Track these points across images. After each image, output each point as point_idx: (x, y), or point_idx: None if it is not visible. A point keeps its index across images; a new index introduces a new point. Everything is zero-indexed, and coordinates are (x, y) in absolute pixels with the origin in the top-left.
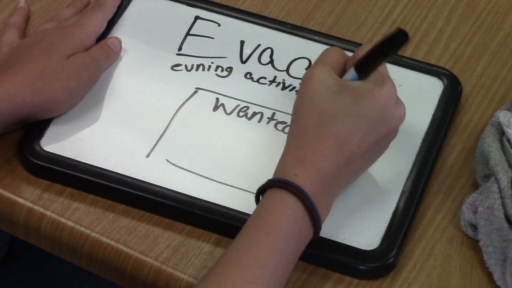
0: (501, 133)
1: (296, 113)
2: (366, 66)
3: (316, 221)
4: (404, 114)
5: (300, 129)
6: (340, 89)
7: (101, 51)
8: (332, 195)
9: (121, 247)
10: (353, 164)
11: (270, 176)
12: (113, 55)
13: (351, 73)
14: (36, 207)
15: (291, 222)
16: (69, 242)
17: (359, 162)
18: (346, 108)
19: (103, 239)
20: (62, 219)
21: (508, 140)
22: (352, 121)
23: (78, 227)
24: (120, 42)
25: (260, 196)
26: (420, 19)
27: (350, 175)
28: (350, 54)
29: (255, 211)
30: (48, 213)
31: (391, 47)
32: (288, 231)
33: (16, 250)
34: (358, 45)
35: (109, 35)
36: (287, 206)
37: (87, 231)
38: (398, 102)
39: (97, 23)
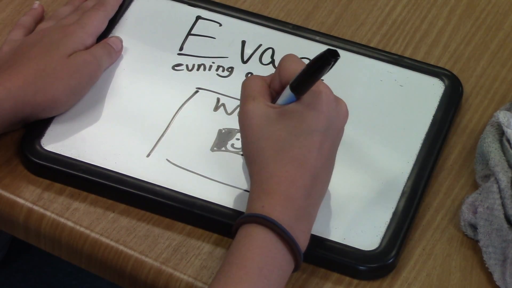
0: (501, 133)
1: (249, 154)
2: (302, 86)
3: (293, 247)
4: (347, 109)
5: (258, 165)
6: (280, 115)
7: (102, 49)
8: (308, 218)
9: (121, 247)
10: (319, 179)
11: None
12: (114, 54)
13: (287, 93)
14: (36, 207)
15: (263, 253)
16: (69, 242)
17: (324, 174)
18: (295, 129)
19: (103, 239)
20: (62, 219)
21: (508, 140)
22: (305, 139)
23: (78, 227)
24: (121, 41)
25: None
26: (420, 19)
27: (320, 191)
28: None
29: (228, 250)
30: (48, 213)
31: (323, 66)
32: (261, 262)
33: (16, 250)
34: (358, 45)
35: (111, 35)
36: (257, 238)
37: (87, 231)
38: (338, 100)
39: (98, 22)
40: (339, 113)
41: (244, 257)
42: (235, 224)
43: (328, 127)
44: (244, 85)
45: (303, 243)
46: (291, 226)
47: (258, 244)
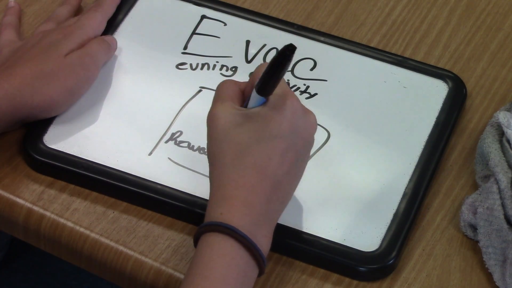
0: (501, 133)
1: (211, 156)
2: (267, 85)
3: (254, 252)
4: (315, 121)
5: (218, 169)
6: (245, 119)
7: (97, 45)
8: (270, 222)
9: (121, 247)
10: (280, 186)
11: None
12: (111, 49)
13: (255, 97)
14: (35, 208)
15: (225, 261)
16: (69, 243)
17: (286, 182)
18: (257, 134)
19: (103, 239)
20: (62, 220)
21: (508, 141)
22: (267, 145)
23: (77, 227)
24: (116, 41)
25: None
26: (420, 20)
27: (282, 197)
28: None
29: (191, 261)
30: (48, 213)
31: (284, 63)
32: (224, 270)
33: (16, 250)
34: (363, 46)
35: (115, 34)
36: (218, 246)
37: (87, 232)
38: (306, 111)
39: (96, 23)
40: (306, 123)
41: (206, 267)
42: (195, 234)
43: (292, 135)
44: (217, 88)
45: (265, 248)
46: (251, 232)
47: (219, 253)
